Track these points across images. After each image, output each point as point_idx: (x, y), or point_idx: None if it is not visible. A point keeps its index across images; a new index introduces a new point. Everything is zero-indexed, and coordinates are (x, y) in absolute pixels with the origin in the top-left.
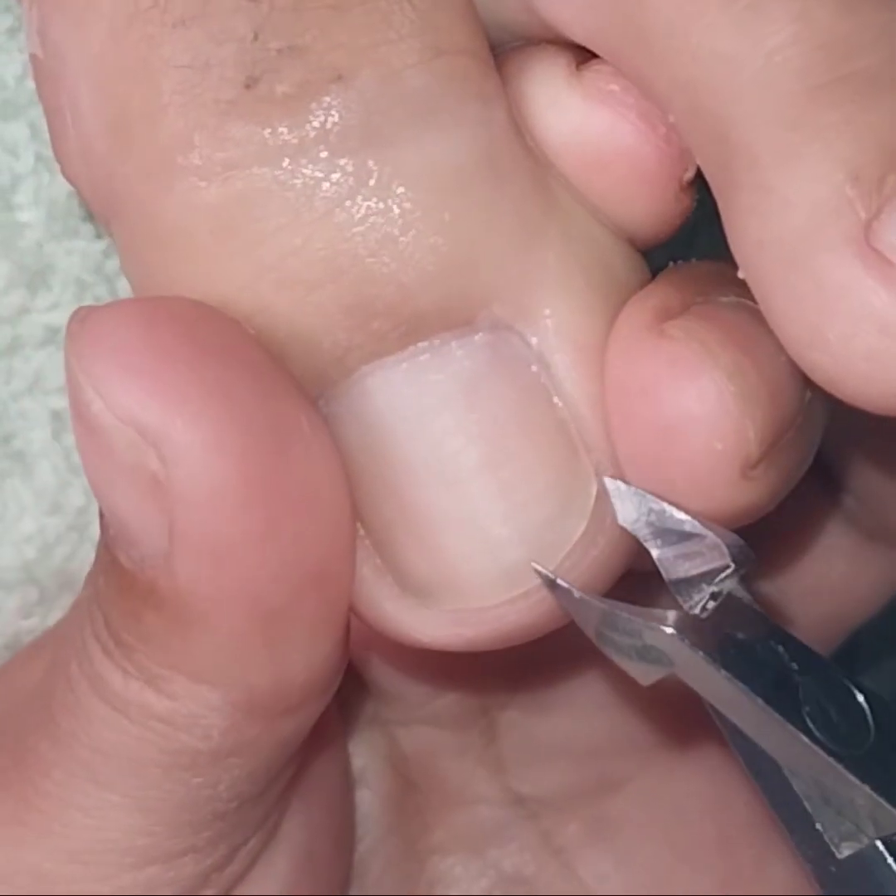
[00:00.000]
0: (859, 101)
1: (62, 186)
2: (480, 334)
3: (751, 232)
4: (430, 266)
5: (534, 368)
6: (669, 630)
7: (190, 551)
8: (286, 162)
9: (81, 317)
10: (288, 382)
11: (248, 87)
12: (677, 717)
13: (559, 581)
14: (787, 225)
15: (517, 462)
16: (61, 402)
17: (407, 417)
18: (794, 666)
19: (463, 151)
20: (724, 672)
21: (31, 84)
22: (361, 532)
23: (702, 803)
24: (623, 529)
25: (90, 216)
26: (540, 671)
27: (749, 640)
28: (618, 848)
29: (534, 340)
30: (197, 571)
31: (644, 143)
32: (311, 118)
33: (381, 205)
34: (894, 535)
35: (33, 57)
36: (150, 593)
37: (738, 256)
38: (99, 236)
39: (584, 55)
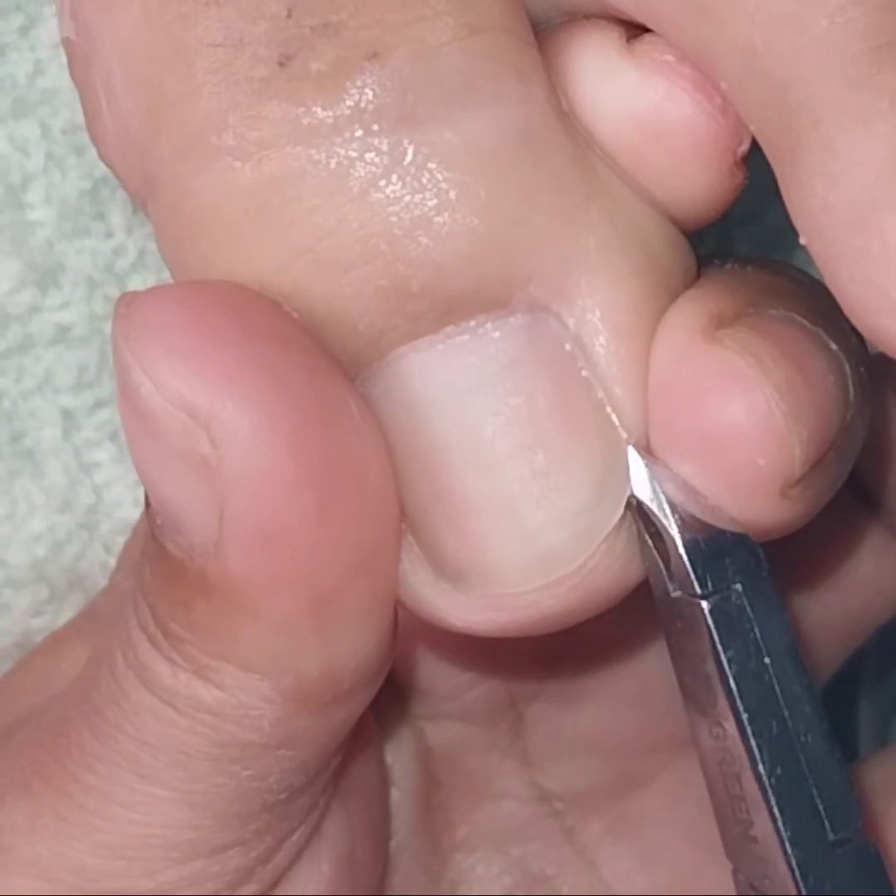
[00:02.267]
0: None
1: (73, 185)
2: (517, 316)
3: (816, 194)
4: (467, 246)
5: (571, 351)
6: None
7: (241, 537)
8: (320, 141)
9: (128, 300)
10: (333, 365)
11: (281, 64)
12: None
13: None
14: (854, 185)
15: (553, 446)
16: (71, 401)
17: (442, 400)
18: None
19: (499, 130)
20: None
21: (42, 83)
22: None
23: None
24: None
25: (101, 215)
26: (568, 664)
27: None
28: (641, 846)
29: (572, 323)
30: (248, 557)
31: (700, 113)
32: (346, 96)
33: (417, 184)
34: None
35: (66, 40)
36: (200, 581)
37: (801, 221)
38: (109, 235)
39: (633, 31)
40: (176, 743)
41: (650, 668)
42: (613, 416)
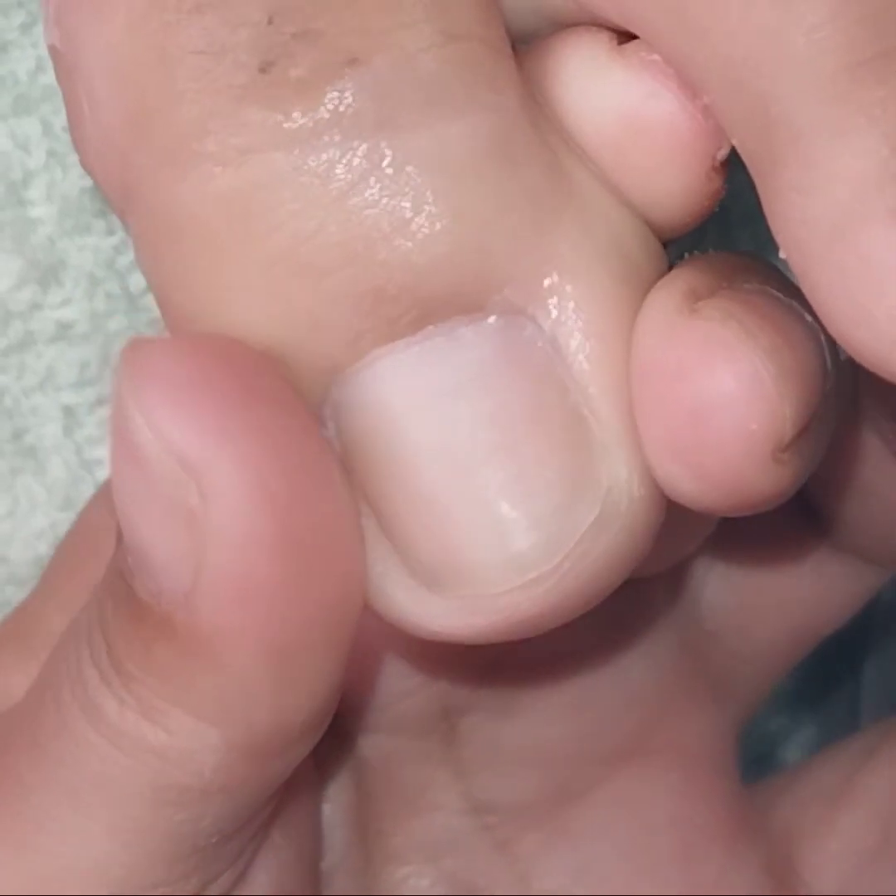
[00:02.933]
0: None
1: (74, 182)
2: (493, 318)
3: (794, 208)
4: (443, 249)
5: (546, 353)
6: None
7: (216, 590)
8: (300, 146)
9: (137, 345)
10: (316, 423)
11: (262, 71)
12: (643, 726)
13: None
14: (832, 200)
15: (528, 448)
16: (73, 398)
17: (417, 402)
18: None
19: (474, 137)
20: None
21: (44, 79)
22: (371, 520)
23: (664, 816)
24: (638, 521)
25: (103, 212)
26: (504, 675)
27: None
28: (576, 860)
29: (546, 325)
30: (218, 610)
31: (681, 112)
32: (326, 102)
33: (394, 188)
34: (862, 549)
35: (52, 48)
36: (163, 626)
37: (780, 235)
38: (111, 232)
39: (624, 37)
40: (114, 781)
41: (589, 679)
42: (589, 418)
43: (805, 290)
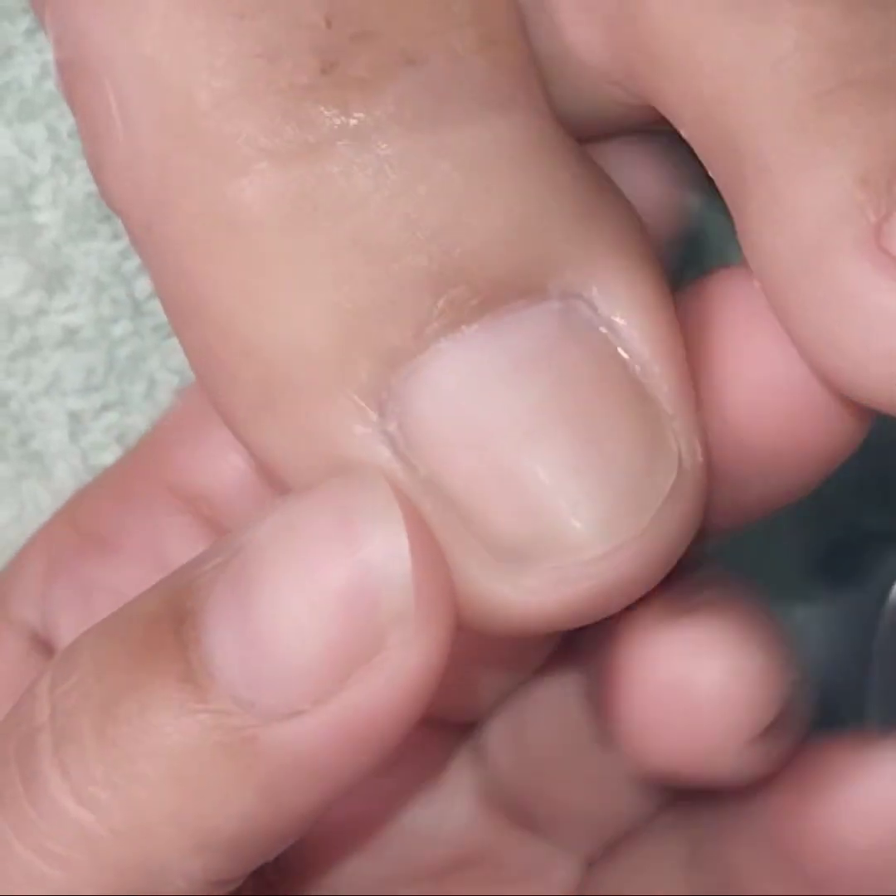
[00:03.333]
0: (867, 104)
1: (80, 187)
2: (553, 300)
3: (764, 240)
4: (504, 234)
5: (604, 333)
6: None
7: (334, 724)
8: (364, 140)
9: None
10: None
11: (324, 71)
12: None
13: None
14: (799, 231)
15: (601, 417)
16: (78, 403)
17: (488, 385)
18: None
19: (525, 130)
20: None
21: (49, 85)
22: (446, 511)
23: None
24: (703, 487)
25: (108, 217)
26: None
27: None
28: None
29: (602, 306)
30: (320, 748)
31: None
32: (387, 99)
33: (457, 177)
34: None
35: (64, 63)
36: (227, 735)
37: (753, 265)
38: (116, 237)
39: None
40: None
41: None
42: (651, 390)
43: (778, 317)
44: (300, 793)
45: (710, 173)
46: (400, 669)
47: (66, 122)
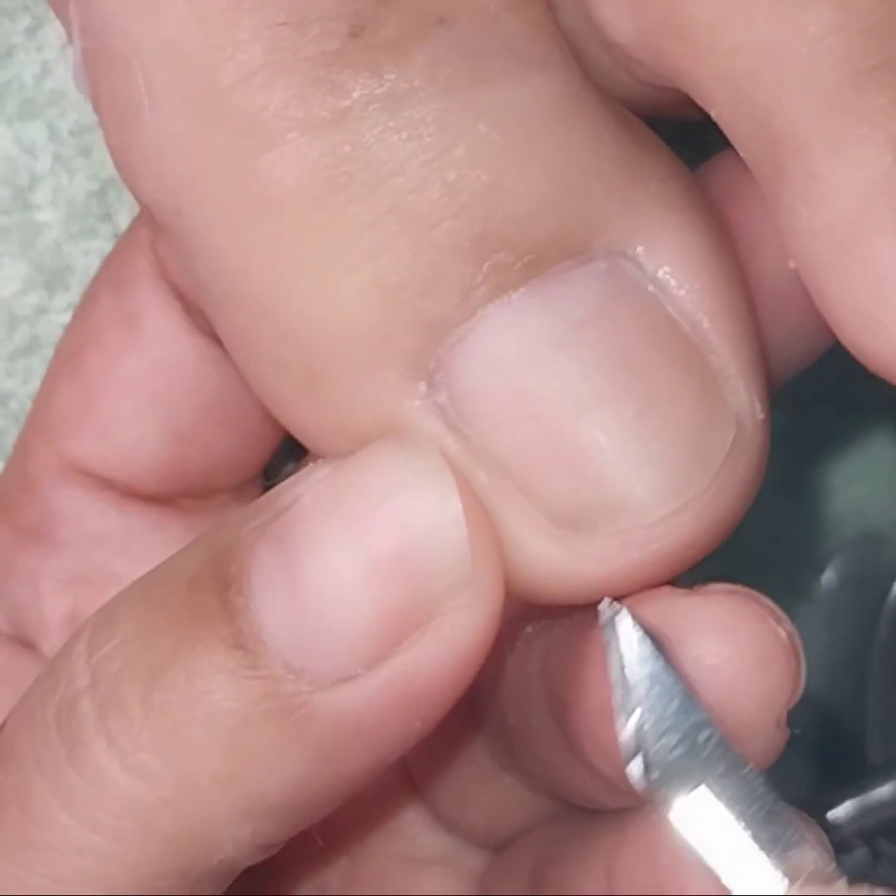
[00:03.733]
0: None
1: (80, 186)
2: (599, 260)
3: (801, 219)
4: (546, 194)
5: (652, 291)
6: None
7: (385, 694)
8: (397, 104)
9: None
10: None
11: (353, 35)
12: None
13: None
14: (838, 210)
15: (658, 378)
16: None
17: (539, 350)
18: None
19: (564, 85)
20: None
21: (49, 84)
22: (502, 478)
23: None
24: (762, 442)
25: (108, 216)
26: None
27: None
28: None
29: (648, 264)
30: (379, 709)
31: None
32: (419, 61)
33: (495, 138)
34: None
35: (87, 52)
36: (281, 702)
37: (789, 245)
38: (116, 236)
39: None
40: (98, 877)
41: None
42: (703, 348)
43: (814, 298)
44: (353, 757)
45: (742, 154)
46: (456, 635)
47: (67, 121)
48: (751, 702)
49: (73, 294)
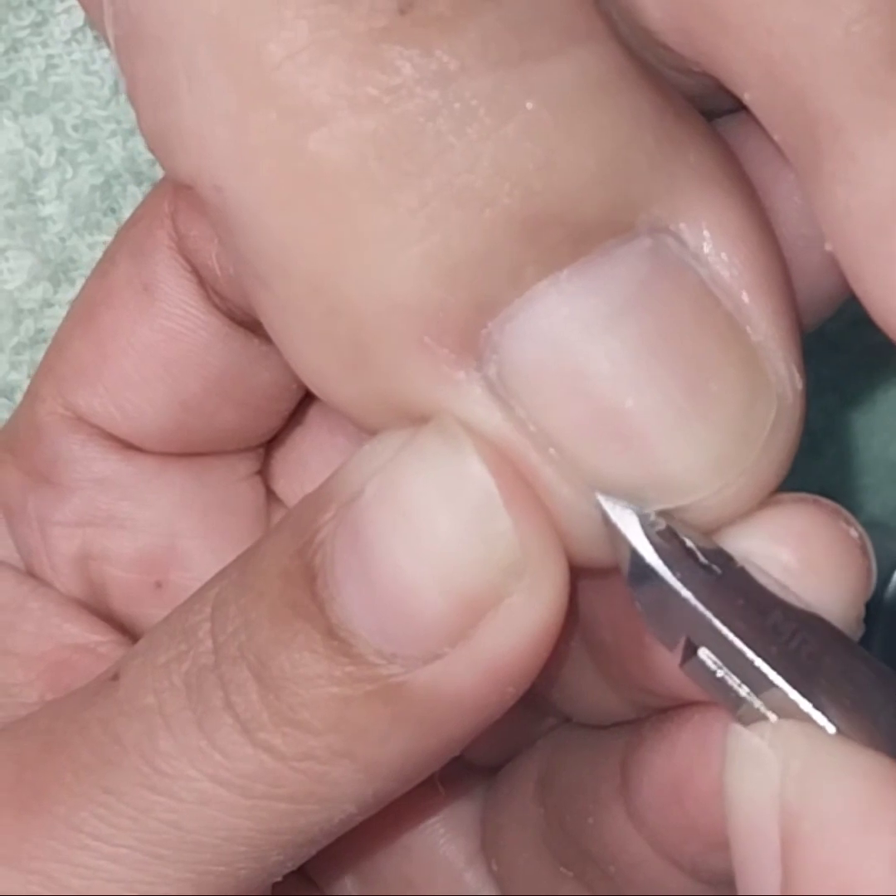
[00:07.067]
0: None
1: (84, 180)
2: (644, 237)
3: (838, 200)
4: (594, 171)
5: (693, 267)
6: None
7: (480, 668)
8: (448, 81)
9: None
10: None
11: (402, 12)
12: None
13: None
14: (876, 191)
15: (704, 355)
16: None
17: (587, 330)
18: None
19: (607, 58)
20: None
21: (54, 78)
22: (554, 453)
23: None
24: (800, 414)
25: (112, 209)
26: None
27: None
28: None
29: (690, 240)
30: (473, 685)
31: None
32: (470, 36)
33: (545, 115)
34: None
35: (120, 38)
36: (379, 686)
37: (825, 226)
38: None
39: None
40: (220, 826)
41: None
42: (744, 323)
43: (850, 279)
44: (452, 726)
45: (775, 137)
46: (524, 613)
47: (71, 116)
48: (836, 602)
49: (78, 287)
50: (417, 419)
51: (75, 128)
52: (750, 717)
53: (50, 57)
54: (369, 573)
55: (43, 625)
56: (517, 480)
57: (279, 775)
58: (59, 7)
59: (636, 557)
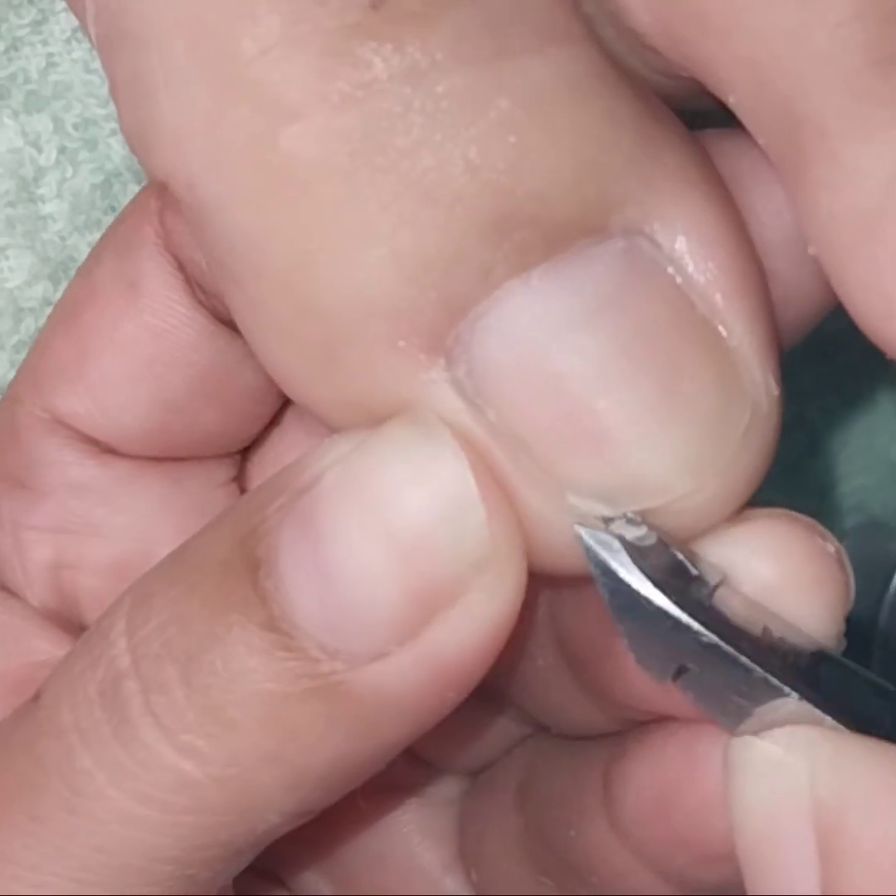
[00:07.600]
0: None
1: (84, 178)
2: (617, 239)
3: (821, 205)
4: (567, 172)
5: (667, 269)
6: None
7: (421, 663)
8: (420, 77)
9: None
10: None
11: (374, 7)
12: None
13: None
14: (860, 195)
15: (677, 358)
16: None
17: (558, 331)
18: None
19: (583, 60)
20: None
21: (55, 77)
22: (523, 454)
23: None
24: (776, 420)
25: (112, 208)
26: None
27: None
28: None
29: (665, 242)
30: (418, 682)
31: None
32: (443, 33)
33: (517, 114)
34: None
35: (101, 36)
36: (318, 684)
37: (809, 230)
38: None
39: None
40: (143, 847)
41: None
42: (719, 327)
43: (834, 284)
44: (390, 730)
45: (760, 141)
46: (481, 612)
47: (72, 114)
48: (816, 617)
49: None
50: (387, 420)
51: (76, 126)
52: (754, 730)
53: (50, 55)
54: (320, 563)
55: (9, 640)
56: (488, 476)
57: (199, 786)
58: (59, 5)
59: (622, 587)
